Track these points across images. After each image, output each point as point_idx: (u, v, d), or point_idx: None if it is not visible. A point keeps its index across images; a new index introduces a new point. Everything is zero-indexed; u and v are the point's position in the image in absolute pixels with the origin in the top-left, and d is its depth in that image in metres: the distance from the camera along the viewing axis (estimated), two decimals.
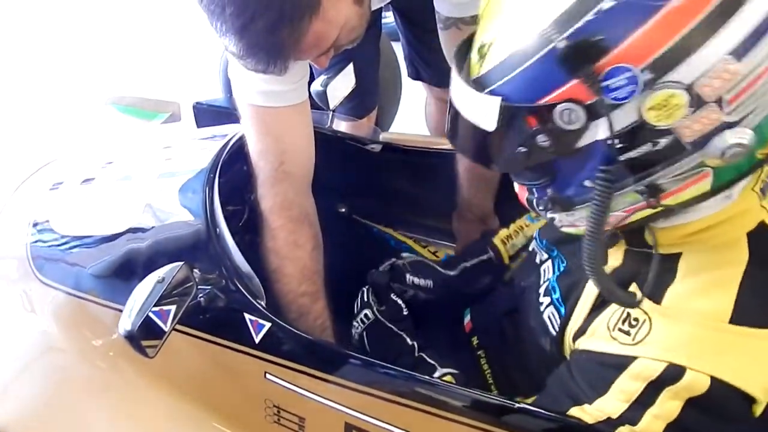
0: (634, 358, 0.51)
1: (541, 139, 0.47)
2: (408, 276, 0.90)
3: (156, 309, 0.67)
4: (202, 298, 0.77)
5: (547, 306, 0.65)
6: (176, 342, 0.76)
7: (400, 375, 0.67)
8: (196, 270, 0.75)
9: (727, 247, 0.52)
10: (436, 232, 1.22)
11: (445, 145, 1.14)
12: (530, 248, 0.79)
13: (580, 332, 0.59)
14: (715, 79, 0.41)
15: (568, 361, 0.61)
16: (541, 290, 0.68)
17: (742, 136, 0.42)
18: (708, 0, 0.40)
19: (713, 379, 0.48)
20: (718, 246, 0.52)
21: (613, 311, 0.55)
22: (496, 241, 0.93)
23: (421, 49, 1.36)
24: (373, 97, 1.40)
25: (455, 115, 0.53)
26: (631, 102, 0.43)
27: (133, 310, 0.66)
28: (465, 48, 0.55)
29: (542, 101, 0.46)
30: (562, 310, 0.62)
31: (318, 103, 1.28)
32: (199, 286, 0.74)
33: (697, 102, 0.42)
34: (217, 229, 0.81)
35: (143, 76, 2.90)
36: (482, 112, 0.49)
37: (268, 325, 0.75)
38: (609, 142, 0.45)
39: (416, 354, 0.79)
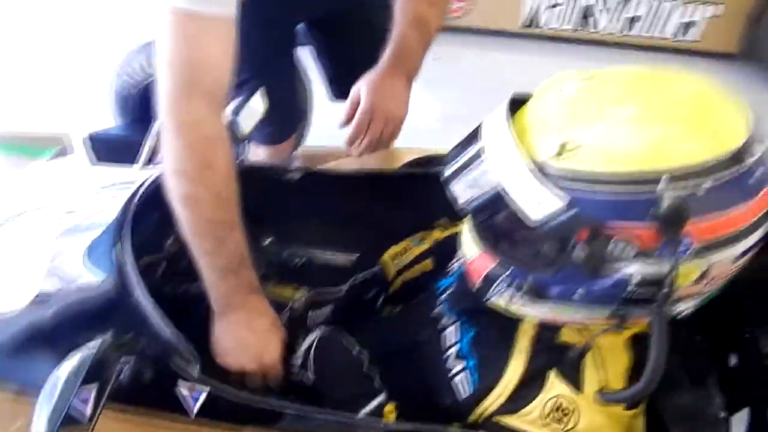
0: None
1: (578, 251, 0.52)
2: (309, 316, 0.91)
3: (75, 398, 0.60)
4: (126, 374, 0.70)
5: (458, 372, 0.69)
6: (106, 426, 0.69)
7: (353, 421, 0.66)
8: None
9: (615, 345, 0.64)
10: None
11: (368, 163, 1.12)
12: (433, 311, 0.80)
13: (506, 410, 0.64)
14: (719, 268, 0.54)
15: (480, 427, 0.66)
16: (450, 354, 0.72)
17: (692, 306, 0.59)
18: (752, 215, 0.52)
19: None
20: (610, 343, 0.63)
21: (546, 398, 0.62)
22: (386, 257, 0.96)
23: (354, 62, 1.12)
24: (291, 120, 1.35)
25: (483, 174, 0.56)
26: (675, 260, 0.51)
27: (45, 408, 0.58)
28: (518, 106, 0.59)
29: (609, 225, 0.51)
30: (476, 378, 0.67)
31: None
32: (122, 358, 0.68)
33: (701, 278, 0.54)
34: (135, 294, 0.74)
35: (19, 110, 2.60)
36: (534, 200, 0.52)
37: (205, 390, 0.70)
38: (632, 282, 0.53)
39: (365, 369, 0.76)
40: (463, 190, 0.58)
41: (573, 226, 0.52)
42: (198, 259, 0.78)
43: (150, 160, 1.56)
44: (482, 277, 0.63)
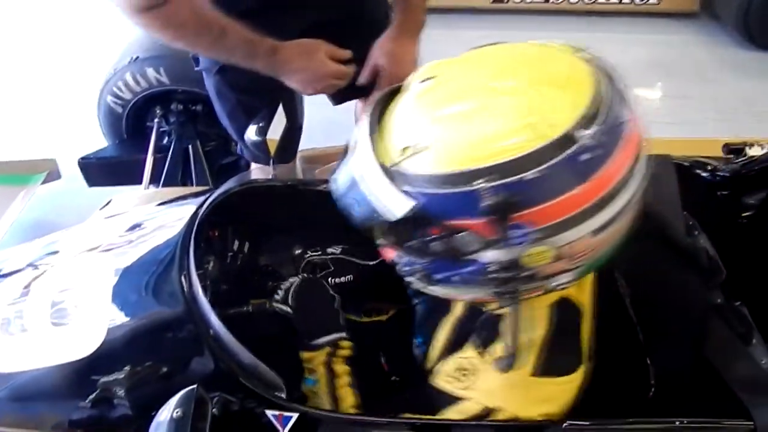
0: (461, 399, 0.66)
1: (434, 245, 0.56)
2: (330, 279, 0.96)
3: None
4: (215, 410, 0.71)
5: (416, 347, 0.80)
6: None
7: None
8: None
9: (532, 315, 0.65)
10: None
11: None
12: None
13: (433, 372, 0.71)
14: (576, 245, 0.54)
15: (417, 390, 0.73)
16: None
17: (569, 279, 0.59)
18: (592, 195, 0.52)
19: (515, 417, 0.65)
20: (526, 313, 0.63)
21: (455, 358, 0.69)
22: None
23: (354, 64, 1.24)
24: (300, 134, 1.34)
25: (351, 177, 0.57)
26: (524, 246, 0.53)
27: None
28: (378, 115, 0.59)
29: (452, 222, 0.54)
30: (423, 351, 0.76)
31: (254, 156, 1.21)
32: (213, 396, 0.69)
33: (559, 258, 0.55)
34: (211, 330, 0.75)
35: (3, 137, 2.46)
36: (389, 201, 0.54)
37: (294, 415, 0.72)
38: (489, 265, 0.56)
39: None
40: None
41: (424, 223, 0.55)
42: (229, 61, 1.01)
43: (154, 179, 1.54)
44: (389, 258, 0.66)
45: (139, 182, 1.52)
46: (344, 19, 1.22)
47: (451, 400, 0.67)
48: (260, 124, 0.99)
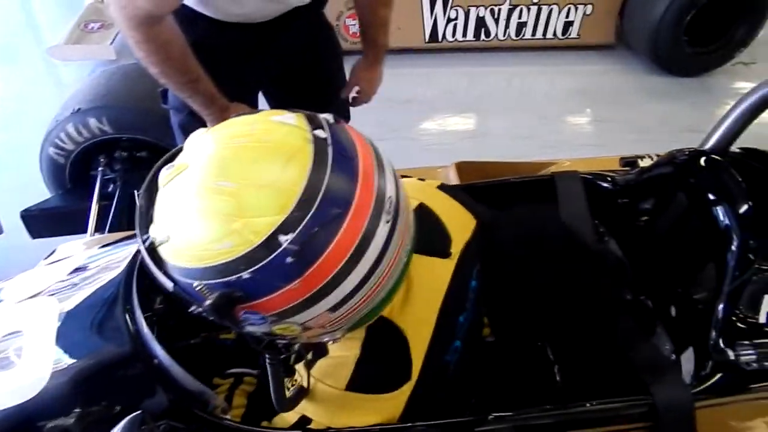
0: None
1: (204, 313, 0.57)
2: None
3: None
4: None
5: None
6: None
7: None
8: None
9: (351, 336, 0.70)
10: None
11: None
12: None
13: None
14: (318, 321, 0.58)
15: None
16: None
17: (338, 335, 0.66)
18: (311, 286, 0.54)
19: (329, 428, 0.70)
20: (342, 339, 0.70)
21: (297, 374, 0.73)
22: None
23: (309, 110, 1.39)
24: None
25: None
26: (265, 325, 0.58)
27: None
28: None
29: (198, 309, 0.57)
30: None
31: None
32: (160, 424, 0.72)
33: (307, 328, 0.59)
34: (155, 359, 0.78)
35: None
36: (160, 278, 0.58)
37: None
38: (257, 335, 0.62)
39: None
40: None
41: (189, 303, 0.58)
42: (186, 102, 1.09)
43: (99, 227, 1.55)
44: None
45: (84, 231, 1.53)
46: (301, 73, 1.34)
47: (295, 403, 0.72)
48: None
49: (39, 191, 1.75)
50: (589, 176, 1.07)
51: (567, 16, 3.05)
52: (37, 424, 0.78)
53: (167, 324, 1.01)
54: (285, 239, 0.52)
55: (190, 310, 0.59)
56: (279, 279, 0.53)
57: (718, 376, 0.78)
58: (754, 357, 0.76)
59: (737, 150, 0.95)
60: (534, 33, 3.10)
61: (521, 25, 3.06)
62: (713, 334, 0.79)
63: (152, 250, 0.58)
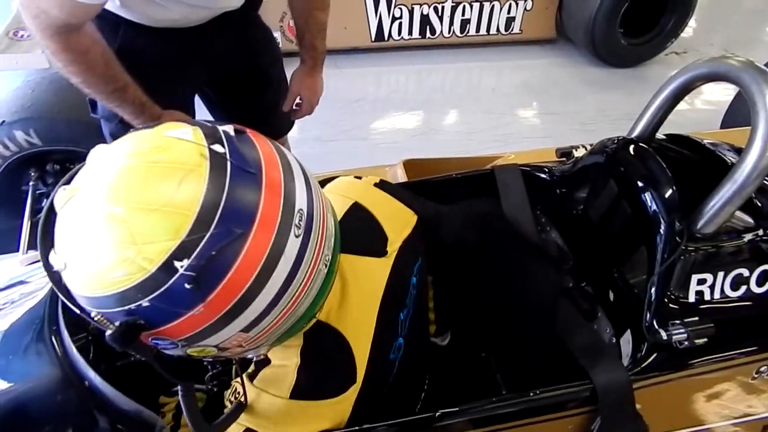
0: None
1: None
2: None
3: None
4: None
5: None
6: None
7: None
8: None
9: (289, 344, 0.68)
10: None
11: None
12: None
13: None
14: (233, 341, 0.56)
15: None
16: None
17: (261, 351, 0.65)
18: (217, 310, 0.52)
19: None
20: (281, 347, 0.68)
21: (234, 384, 0.71)
22: None
23: (248, 114, 1.32)
24: None
25: None
26: (178, 349, 0.56)
27: None
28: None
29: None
30: None
31: None
32: None
33: (223, 349, 0.57)
34: (86, 382, 0.74)
35: None
36: (71, 307, 0.54)
37: None
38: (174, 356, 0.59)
39: None
40: None
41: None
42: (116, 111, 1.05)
43: (32, 244, 1.47)
44: None
45: (17, 250, 1.45)
46: (238, 76, 1.30)
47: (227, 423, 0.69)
48: None
49: None
50: (527, 168, 1.09)
51: (509, 12, 3.12)
52: None
53: (103, 343, 0.98)
54: (180, 265, 0.49)
55: (104, 340, 0.54)
56: (180, 305, 0.50)
57: (654, 356, 0.80)
58: (684, 336, 0.79)
59: (662, 136, 0.98)
60: (478, 29, 3.15)
61: (465, 22, 3.11)
62: (647, 315, 0.81)
63: (58, 280, 0.54)
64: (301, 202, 0.55)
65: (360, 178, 0.90)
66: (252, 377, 0.70)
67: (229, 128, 0.56)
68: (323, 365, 0.69)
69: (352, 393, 0.69)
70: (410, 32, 3.09)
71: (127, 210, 0.50)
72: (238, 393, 0.69)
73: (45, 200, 1.59)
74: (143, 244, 0.49)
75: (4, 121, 1.45)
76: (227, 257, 0.50)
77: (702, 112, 2.79)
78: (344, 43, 3.02)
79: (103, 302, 0.51)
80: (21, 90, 1.58)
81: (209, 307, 0.51)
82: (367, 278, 0.74)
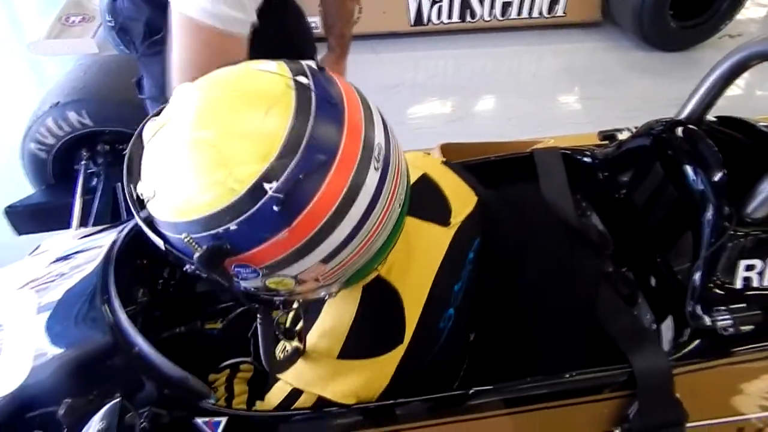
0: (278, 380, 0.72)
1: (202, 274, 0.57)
2: None
3: None
4: (144, 424, 0.74)
5: None
6: None
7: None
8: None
9: (346, 298, 0.69)
10: None
11: None
12: None
13: None
14: (311, 273, 0.57)
15: None
16: None
17: (334, 290, 0.63)
18: (300, 236, 0.53)
19: (319, 398, 0.69)
20: (339, 299, 0.69)
21: (283, 344, 0.73)
22: None
23: None
24: None
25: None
26: (258, 278, 0.57)
27: None
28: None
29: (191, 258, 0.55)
30: None
31: None
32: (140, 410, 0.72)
33: (301, 281, 0.58)
34: (135, 348, 0.78)
35: None
36: (152, 237, 0.58)
37: (224, 419, 0.76)
38: (252, 290, 0.60)
39: None
40: None
41: (182, 259, 0.57)
42: None
43: (84, 221, 1.55)
44: None
45: (69, 226, 1.52)
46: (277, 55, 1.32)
47: (274, 383, 0.72)
48: None
49: (23, 187, 1.73)
50: (568, 151, 1.07)
51: None
52: (25, 415, 0.79)
53: (152, 315, 1.02)
54: (269, 187, 0.50)
55: (184, 269, 0.58)
56: (266, 229, 0.52)
57: (696, 342, 0.78)
58: (730, 322, 0.77)
59: (713, 119, 0.95)
60: (519, 12, 3.08)
61: (506, 5, 3.04)
62: (690, 301, 0.79)
63: (143, 208, 0.57)
64: (379, 137, 0.57)
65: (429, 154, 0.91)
66: (305, 332, 0.71)
67: (312, 63, 0.58)
68: (376, 323, 0.70)
69: (398, 353, 0.69)
70: (450, 16, 3.05)
71: (216, 134, 0.52)
72: (287, 350, 0.71)
73: (96, 179, 1.66)
74: (233, 166, 0.51)
75: (58, 102, 1.52)
76: (312, 183, 0.51)
77: (759, 99, 2.66)
78: (382, 27, 3.00)
79: (191, 227, 0.53)
80: (73, 73, 1.65)
81: (294, 232, 0.52)
82: (429, 244, 0.75)
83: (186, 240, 0.54)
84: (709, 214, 0.79)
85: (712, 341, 0.78)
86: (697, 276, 0.80)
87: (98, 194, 1.58)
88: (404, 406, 0.73)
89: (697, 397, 0.82)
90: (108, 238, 0.96)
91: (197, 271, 0.56)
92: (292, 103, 0.53)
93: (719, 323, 0.77)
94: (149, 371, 0.77)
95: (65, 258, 1.00)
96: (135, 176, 0.58)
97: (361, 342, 0.69)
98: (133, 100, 1.53)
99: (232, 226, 0.52)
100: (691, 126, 0.90)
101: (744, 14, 3.17)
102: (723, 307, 0.78)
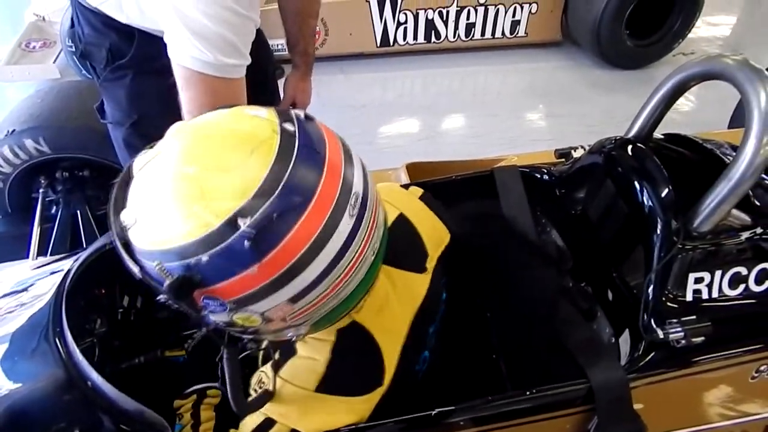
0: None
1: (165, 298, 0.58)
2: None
3: None
4: None
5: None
6: None
7: None
8: None
9: (320, 339, 0.71)
10: None
11: None
12: None
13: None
14: (279, 312, 0.59)
15: None
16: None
17: (302, 332, 0.64)
18: (270, 272, 0.54)
19: (293, 430, 0.69)
20: (317, 336, 0.71)
21: (257, 374, 0.73)
22: None
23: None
24: None
25: None
26: (225, 313, 0.58)
27: None
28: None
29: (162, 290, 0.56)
30: None
31: None
32: None
33: (268, 320, 0.59)
34: (89, 382, 0.76)
35: None
36: (130, 265, 0.58)
37: None
38: (220, 325, 0.61)
39: None
40: None
41: (154, 288, 0.58)
42: None
43: (42, 250, 1.50)
44: None
45: (27, 256, 1.48)
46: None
47: (245, 410, 0.71)
48: None
49: None
50: (526, 169, 1.10)
51: (513, 16, 3.12)
52: None
53: (112, 345, 0.99)
54: (243, 222, 0.52)
55: (157, 299, 0.58)
56: (237, 264, 0.54)
57: (651, 355, 0.80)
58: (681, 334, 0.79)
59: (660, 136, 0.98)
60: (483, 33, 3.16)
61: (470, 26, 3.12)
62: (643, 314, 0.81)
63: (123, 238, 0.58)
64: (357, 186, 0.59)
65: (407, 187, 0.95)
66: (277, 367, 0.72)
67: (300, 112, 0.61)
68: (353, 363, 0.72)
69: (377, 395, 0.71)
70: (415, 37, 3.11)
71: (200, 170, 0.55)
72: (263, 382, 0.71)
73: (55, 207, 1.62)
74: (211, 200, 0.53)
75: (14, 130, 1.48)
76: (285, 223, 0.53)
77: (710, 113, 2.77)
78: (350, 48, 3.04)
79: (165, 256, 0.55)
80: (30, 99, 1.62)
81: (264, 268, 0.54)
82: (407, 291, 0.77)
83: (158, 268, 0.55)
84: (658, 229, 0.82)
85: (666, 353, 0.80)
86: (649, 290, 0.82)
87: (57, 222, 1.54)
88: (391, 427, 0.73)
89: (656, 409, 0.83)
90: (64, 268, 0.94)
91: (168, 302, 0.57)
92: (275, 147, 0.55)
93: (671, 336, 0.79)
94: (105, 406, 0.75)
95: (19, 291, 0.97)
96: (119, 205, 0.59)
97: (341, 379, 0.70)
98: (91, 126, 1.52)
99: (204, 258, 0.53)
100: (639, 144, 0.93)
101: (696, 33, 3.32)
102: (675, 320, 0.80)
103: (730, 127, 2.18)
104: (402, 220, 0.84)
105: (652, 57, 3.09)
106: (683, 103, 2.93)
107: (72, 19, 1.12)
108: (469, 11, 3.05)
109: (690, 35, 3.09)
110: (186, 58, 0.86)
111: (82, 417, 0.77)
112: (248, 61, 0.91)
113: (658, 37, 3.02)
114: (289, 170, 0.54)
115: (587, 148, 1.08)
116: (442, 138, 2.72)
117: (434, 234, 0.87)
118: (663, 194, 0.83)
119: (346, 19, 2.94)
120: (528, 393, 0.77)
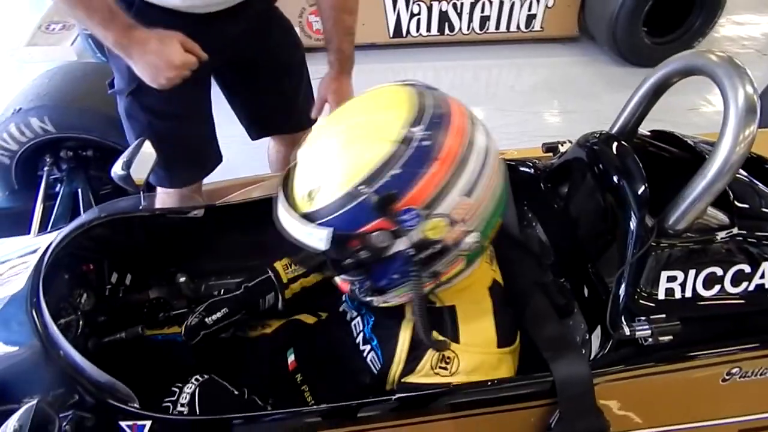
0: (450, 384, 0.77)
1: (363, 254, 0.70)
2: (207, 320, 1.00)
3: None
4: (67, 427, 0.74)
5: (368, 352, 0.84)
6: None
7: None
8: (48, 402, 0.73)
9: (478, 300, 0.81)
10: None
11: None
12: (340, 309, 0.94)
13: (407, 372, 0.79)
14: (460, 210, 0.69)
15: (397, 391, 0.79)
16: (359, 340, 0.87)
17: (476, 239, 0.72)
18: (445, 168, 0.68)
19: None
20: (473, 299, 0.81)
21: (431, 355, 0.77)
22: (277, 264, 1.07)
23: (268, 101, 1.39)
24: (211, 160, 1.36)
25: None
26: (418, 227, 0.68)
27: None
28: (287, 186, 0.75)
29: (361, 230, 0.68)
30: (380, 354, 0.82)
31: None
32: (60, 415, 0.72)
33: (451, 223, 0.69)
34: (60, 352, 0.78)
35: None
36: (313, 238, 0.69)
37: (148, 423, 0.76)
38: (408, 251, 0.70)
39: (246, 397, 0.87)
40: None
41: (344, 241, 0.69)
42: (87, 28, 1.08)
43: (43, 227, 1.55)
44: (347, 289, 0.82)
45: (29, 232, 1.52)
46: (253, 62, 1.33)
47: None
48: (125, 159, 1.04)
49: None
50: (512, 162, 1.09)
51: (529, 9, 3.07)
52: None
53: (95, 321, 1.02)
54: (413, 131, 0.67)
55: (345, 264, 0.72)
56: (419, 166, 0.66)
57: (617, 351, 0.79)
58: (648, 332, 0.78)
59: (646, 132, 0.97)
60: (498, 26, 3.12)
61: (484, 19, 3.08)
62: (612, 311, 0.81)
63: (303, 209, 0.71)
64: (481, 141, 0.73)
65: None
66: (452, 338, 0.77)
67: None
68: (504, 314, 0.81)
69: (518, 343, 0.83)
70: (428, 29, 3.09)
71: (366, 116, 0.73)
72: (448, 358, 0.76)
73: (59, 185, 1.66)
74: (386, 129, 0.68)
75: (20, 109, 1.52)
76: (441, 130, 0.68)
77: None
78: (362, 39, 3.00)
79: (359, 186, 0.66)
80: (39, 79, 1.66)
81: (438, 167, 0.67)
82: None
83: (358, 198, 0.66)
84: (632, 225, 0.81)
85: (632, 351, 0.79)
86: (620, 286, 0.81)
87: (58, 199, 1.58)
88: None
89: (623, 407, 0.83)
90: (45, 241, 0.96)
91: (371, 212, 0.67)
92: (416, 96, 0.71)
93: (638, 333, 0.78)
94: (75, 376, 0.78)
95: (4, 262, 1.00)
96: (290, 191, 0.73)
97: (504, 332, 0.79)
98: (95, 107, 1.55)
99: (394, 172, 0.66)
100: (620, 140, 0.92)
101: (720, 32, 3.24)
102: (643, 318, 0.79)
103: None
104: None
105: (671, 55, 3.01)
106: (701, 104, 2.87)
107: None
108: (484, 4, 3.02)
109: (714, 34, 3.01)
110: None
111: (57, 385, 0.80)
112: None
113: (676, 35, 2.95)
114: (432, 96, 0.71)
115: (573, 142, 1.07)
116: None
117: None
118: (639, 191, 0.82)
119: (360, 8, 2.92)
120: (490, 383, 0.77)
